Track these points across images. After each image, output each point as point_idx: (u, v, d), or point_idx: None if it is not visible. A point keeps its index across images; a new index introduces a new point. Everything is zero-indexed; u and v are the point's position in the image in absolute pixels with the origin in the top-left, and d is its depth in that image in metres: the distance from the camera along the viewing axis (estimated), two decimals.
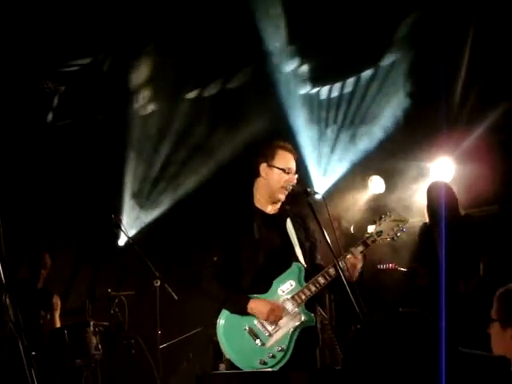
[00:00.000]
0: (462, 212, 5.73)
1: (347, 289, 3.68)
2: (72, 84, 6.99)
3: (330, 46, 6.60)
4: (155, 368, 6.19)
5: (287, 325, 3.93)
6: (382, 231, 4.04)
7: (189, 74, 6.87)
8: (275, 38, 6.49)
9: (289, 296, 3.96)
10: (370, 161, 7.03)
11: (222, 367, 4.65)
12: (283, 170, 4.09)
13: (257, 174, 4.18)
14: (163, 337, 6.22)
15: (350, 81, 7.21)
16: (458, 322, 4.91)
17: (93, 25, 6.06)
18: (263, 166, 4.14)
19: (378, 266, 6.22)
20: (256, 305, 3.91)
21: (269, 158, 4.13)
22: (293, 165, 4.16)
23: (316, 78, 7.17)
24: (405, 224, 4.08)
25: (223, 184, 7.19)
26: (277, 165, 4.10)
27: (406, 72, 6.73)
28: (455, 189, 5.90)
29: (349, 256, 3.95)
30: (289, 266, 4.01)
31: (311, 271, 4.05)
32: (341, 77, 7.21)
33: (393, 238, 4.08)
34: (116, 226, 6.51)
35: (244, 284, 4.04)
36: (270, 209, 4.17)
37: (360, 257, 3.95)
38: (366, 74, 7.12)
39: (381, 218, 4.07)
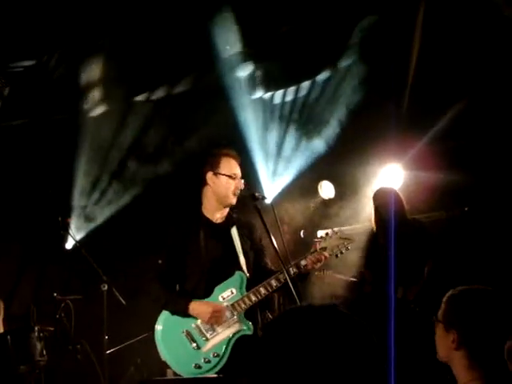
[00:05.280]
0: (409, 217, 5.81)
1: (295, 297, 3.73)
2: (18, 85, 6.85)
3: (282, 51, 6.62)
4: (102, 374, 6.10)
5: (225, 331, 4.02)
6: (326, 247, 4.12)
7: (139, 76, 6.80)
8: (227, 42, 6.47)
9: (229, 303, 4.03)
10: (319, 166, 7.07)
11: (170, 373, 4.65)
12: (229, 176, 4.17)
13: (204, 184, 4.23)
14: (110, 342, 6.13)
15: (302, 86, 7.24)
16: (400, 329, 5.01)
17: (39, 25, 5.95)
18: (209, 175, 4.21)
19: (316, 274, 6.25)
20: (198, 306, 4.00)
21: (214, 166, 4.21)
22: (238, 170, 4.24)
23: (267, 83, 7.19)
24: (351, 243, 4.17)
25: (172, 188, 7.14)
26: (223, 172, 4.18)
27: (356, 77, 6.79)
28: (403, 194, 6.00)
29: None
30: (232, 274, 4.09)
31: (261, 277, 4.11)
32: (292, 82, 7.24)
33: (336, 256, 4.18)
34: (63, 229, 6.41)
35: (186, 288, 4.13)
36: (218, 217, 4.25)
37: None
38: (318, 79, 7.16)
39: (327, 235, 4.15)
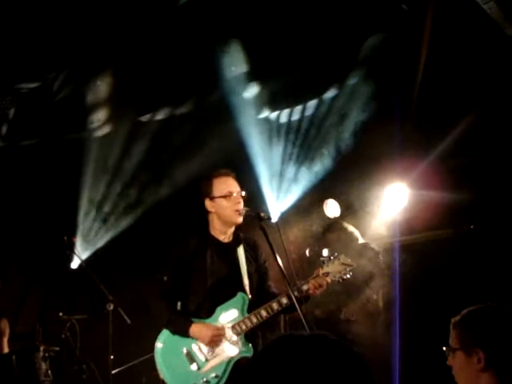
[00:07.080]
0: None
1: (301, 316, 3.73)
2: (24, 105, 6.88)
3: (286, 71, 6.64)
4: None
5: (224, 353, 4.04)
6: (329, 272, 4.13)
7: (144, 97, 6.83)
8: (232, 62, 6.50)
9: (230, 324, 4.05)
10: (324, 185, 7.07)
11: None
12: (225, 196, 4.17)
13: (206, 211, 4.26)
14: (116, 362, 6.11)
15: (307, 105, 7.25)
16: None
17: (45, 45, 5.99)
18: (207, 202, 4.26)
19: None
20: (199, 329, 4.02)
21: (208, 191, 4.24)
22: (232, 185, 4.25)
23: (272, 103, 7.20)
24: (352, 269, 4.17)
25: (179, 208, 7.14)
26: (217, 194, 4.21)
27: (361, 97, 6.80)
28: (409, 213, 6.02)
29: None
30: (234, 294, 4.06)
31: (263, 299, 4.14)
32: (297, 101, 7.26)
33: (338, 281, 4.17)
34: (69, 249, 6.42)
35: (189, 306, 4.17)
36: (225, 237, 4.27)
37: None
38: (323, 98, 7.17)
39: (329, 260, 4.16)
